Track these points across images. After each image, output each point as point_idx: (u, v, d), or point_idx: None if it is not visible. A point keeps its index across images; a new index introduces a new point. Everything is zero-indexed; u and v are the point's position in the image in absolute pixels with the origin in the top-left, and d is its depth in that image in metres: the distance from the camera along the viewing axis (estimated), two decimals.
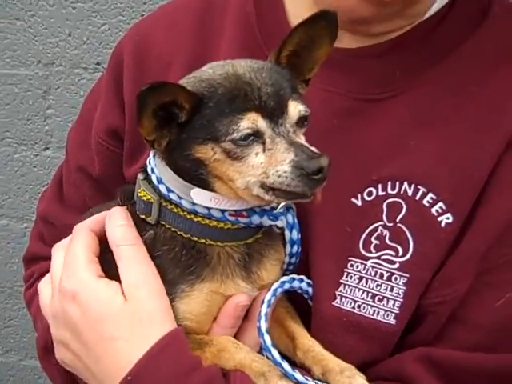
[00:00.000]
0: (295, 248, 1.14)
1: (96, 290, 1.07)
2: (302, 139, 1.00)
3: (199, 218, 1.06)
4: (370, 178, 1.15)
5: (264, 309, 1.07)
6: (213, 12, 1.35)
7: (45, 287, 1.21)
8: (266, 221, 1.09)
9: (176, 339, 1.03)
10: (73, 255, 1.11)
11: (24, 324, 2.59)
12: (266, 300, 1.08)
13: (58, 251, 1.19)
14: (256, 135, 0.97)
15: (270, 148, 0.98)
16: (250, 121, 0.97)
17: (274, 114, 0.98)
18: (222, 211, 1.05)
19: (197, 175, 1.03)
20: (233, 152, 0.98)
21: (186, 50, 1.32)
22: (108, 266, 1.10)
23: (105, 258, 1.12)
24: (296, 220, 1.13)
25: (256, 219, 1.07)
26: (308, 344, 1.10)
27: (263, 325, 1.07)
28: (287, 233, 1.12)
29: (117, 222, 1.10)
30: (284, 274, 1.17)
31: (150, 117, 0.97)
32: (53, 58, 2.15)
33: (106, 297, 1.06)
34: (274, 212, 1.09)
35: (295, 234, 1.13)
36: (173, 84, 1.00)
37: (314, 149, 0.97)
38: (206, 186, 1.04)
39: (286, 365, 1.02)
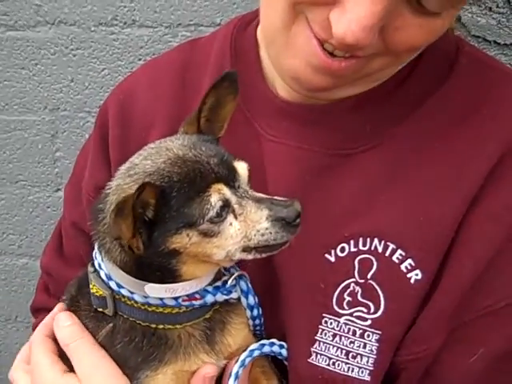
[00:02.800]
0: (255, 311, 1.14)
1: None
2: (260, 194, 1.01)
3: (153, 308, 1.07)
4: (342, 234, 1.15)
5: (231, 382, 1.08)
6: (192, 70, 1.37)
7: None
8: (220, 297, 1.10)
9: None
10: (36, 364, 1.17)
11: None
12: (233, 373, 1.08)
13: (18, 373, 1.27)
14: (226, 205, 0.97)
15: (241, 212, 0.98)
16: (217, 192, 0.96)
17: (230, 179, 0.98)
18: (176, 298, 1.06)
19: (164, 267, 1.01)
20: (210, 231, 0.97)
21: (167, 108, 1.34)
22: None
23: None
24: (250, 285, 1.13)
25: (210, 298, 1.09)
26: None
27: None
28: (243, 300, 1.13)
29: (63, 324, 1.15)
30: (254, 334, 1.17)
31: (129, 225, 0.92)
32: (58, 104, 2.18)
33: None
34: (227, 286, 1.10)
35: (251, 299, 1.13)
36: (141, 192, 0.91)
37: (279, 197, 0.98)
38: (169, 275, 1.03)
39: None
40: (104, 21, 2.02)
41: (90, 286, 1.13)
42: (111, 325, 1.11)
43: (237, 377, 1.09)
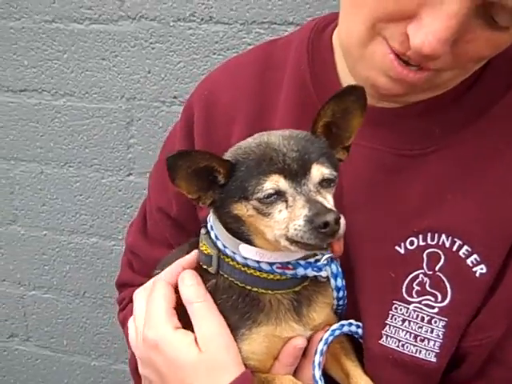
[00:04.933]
0: (341, 293, 1.24)
1: (174, 341, 1.20)
2: (326, 198, 1.10)
3: (251, 271, 1.18)
4: (411, 229, 1.23)
5: (317, 358, 1.19)
6: (271, 68, 1.46)
7: (131, 327, 1.36)
8: (311, 272, 1.19)
9: (245, 381, 1.16)
10: (153, 308, 1.25)
11: (114, 332, 2.75)
12: (318, 350, 1.20)
13: (140, 297, 1.34)
14: (278, 194, 1.08)
15: (291, 205, 1.08)
16: (273, 182, 1.08)
17: (297, 175, 1.08)
18: (271, 264, 1.17)
19: (240, 231, 1.16)
20: (260, 209, 1.09)
21: (248, 104, 1.43)
22: (183, 314, 1.24)
23: (181, 307, 1.25)
24: (340, 269, 1.22)
25: (301, 271, 1.18)
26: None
27: (317, 373, 1.18)
28: (332, 281, 1.22)
29: (188, 283, 1.24)
30: (335, 314, 1.27)
31: (185, 179, 1.10)
32: (134, 93, 2.29)
33: (183, 347, 1.19)
34: (318, 264, 1.20)
35: (340, 282, 1.23)
36: (201, 152, 1.13)
37: (329, 205, 1.07)
38: (248, 240, 1.16)
39: None
40: (182, 16, 2.13)
41: (200, 245, 1.26)
42: (214, 280, 1.23)
43: (322, 353, 1.19)
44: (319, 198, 1.08)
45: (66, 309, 2.80)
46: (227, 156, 1.16)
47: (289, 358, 1.21)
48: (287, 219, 1.08)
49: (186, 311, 1.23)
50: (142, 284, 1.57)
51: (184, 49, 2.17)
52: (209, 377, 1.17)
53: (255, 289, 1.20)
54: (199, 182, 1.12)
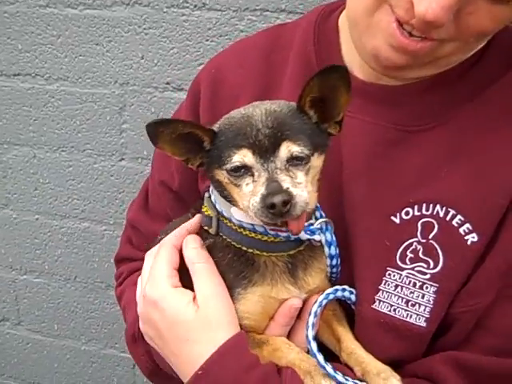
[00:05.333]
0: (334, 261, 1.29)
1: (172, 299, 1.27)
2: (294, 175, 1.14)
3: (247, 232, 1.24)
4: (407, 200, 1.29)
5: (311, 319, 1.24)
6: (278, 50, 1.52)
7: (138, 286, 1.42)
8: (303, 235, 1.25)
9: (238, 342, 1.22)
10: (156, 268, 1.32)
11: (104, 316, 2.80)
12: (312, 311, 1.25)
13: (148, 258, 1.40)
14: (246, 168, 1.14)
15: (256, 180, 1.14)
16: (241, 156, 1.14)
17: (267, 151, 1.14)
18: (264, 226, 1.22)
19: (224, 195, 1.23)
20: (231, 180, 1.17)
21: (254, 84, 1.48)
22: (185, 275, 1.30)
23: (183, 269, 1.31)
24: (334, 237, 1.28)
25: None
26: (351, 347, 1.27)
27: (310, 333, 1.23)
28: (326, 249, 1.28)
29: (191, 245, 1.30)
30: (329, 281, 1.33)
31: (169, 143, 1.19)
32: (127, 79, 2.32)
33: (181, 305, 1.26)
34: (311, 227, 1.26)
35: (333, 250, 1.28)
36: (182, 121, 1.23)
37: (286, 185, 1.11)
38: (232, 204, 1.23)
39: (329, 367, 1.18)
40: (176, 3, 2.16)
41: (203, 207, 1.32)
42: (211, 240, 1.29)
43: (316, 315, 1.25)
44: (281, 177, 1.12)
45: (57, 293, 2.83)
46: (218, 123, 1.23)
47: (284, 318, 1.27)
48: (251, 193, 1.14)
49: (188, 274, 1.29)
50: (141, 259, 1.61)
51: (177, 35, 2.20)
52: (204, 334, 1.23)
53: (250, 250, 1.26)
54: (187, 144, 1.20)
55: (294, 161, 1.15)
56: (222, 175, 1.19)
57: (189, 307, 1.25)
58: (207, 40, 2.18)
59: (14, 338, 3.00)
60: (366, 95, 1.36)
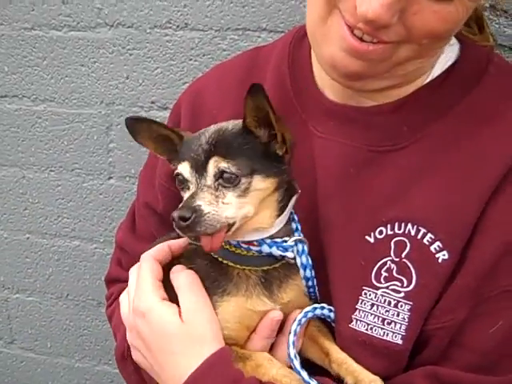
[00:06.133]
0: (310, 282, 1.31)
1: (159, 311, 1.28)
2: (220, 195, 1.18)
3: (222, 244, 1.24)
4: (380, 219, 1.30)
5: (291, 338, 1.26)
6: (255, 72, 1.54)
7: (124, 300, 1.44)
8: (276, 251, 1.27)
9: (223, 355, 1.23)
10: (142, 280, 1.33)
11: (97, 333, 2.81)
12: (292, 330, 1.26)
13: (132, 275, 1.42)
14: (185, 181, 1.21)
15: (185, 194, 1.20)
16: (180, 168, 1.21)
17: (202, 167, 1.19)
18: (237, 240, 1.26)
19: None
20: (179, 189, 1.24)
21: (231, 105, 1.49)
22: (168, 288, 1.32)
23: (166, 281, 1.33)
24: (309, 260, 1.30)
25: (265, 248, 1.26)
26: (341, 358, 1.28)
27: (292, 351, 1.25)
28: (301, 271, 1.30)
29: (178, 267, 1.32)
30: (310, 299, 1.34)
31: (149, 141, 1.28)
32: (113, 99, 2.34)
33: (167, 318, 1.27)
34: (284, 244, 1.27)
35: (308, 272, 1.30)
36: (157, 123, 1.29)
37: (196, 202, 1.15)
38: None
39: (313, 383, 1.20)
40: (159, 23, 2.20)
41: None
42: (193, 246, 1.31)
43: (295, 333, 1.26)
44: (202, 194, 1.17)
45: (49, 311, 2.84)
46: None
47: (266, 331, 1.28)
48: None
49: (171, 287, 1.31)
50: None
51: (161, 55, 2.23)
52: (188, 347, 1.24)
53: (225, 261, 1.28)
54: (168, 145, 1.28)
55: (223, 180, 1.18)
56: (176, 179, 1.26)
57: (174, 320, 1.26)
58: (190, 59, 2.21)
59: (7, 356, 3.01)
60: (338, 116, 1.38)
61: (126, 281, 1.66)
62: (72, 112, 2.42)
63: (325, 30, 1.25)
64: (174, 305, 1.29)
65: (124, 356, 1.52)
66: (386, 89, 1.34)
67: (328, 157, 1.37)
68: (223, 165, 1.17)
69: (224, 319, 1.27)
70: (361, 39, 1.19)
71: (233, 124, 1.25)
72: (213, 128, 1.25)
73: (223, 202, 1.17)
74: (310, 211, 1.36)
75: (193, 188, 1.19)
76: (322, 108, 1.42)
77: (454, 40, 1.38)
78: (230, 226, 1.19)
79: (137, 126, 1.27)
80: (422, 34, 1.17)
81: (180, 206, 1.16)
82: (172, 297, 1.31)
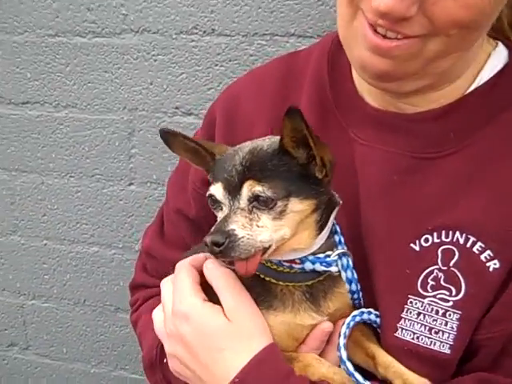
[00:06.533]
0: (353, 286, 1.30)
1: (203, 311, 1.27)
2: (256, 218, 1.15)
3: (262, 261, 1.23)
4: (425, 227, 1.28)
5: (341, 340, 1.25)
6: (293, 78, 1.52)
7: (157, 315, 1.42)
8: (319, 267, 1.25)
9: (273, 350, 1.22)
10: (181, 284, 1.32)
11: (114, 339, 2.79)
12: (342, 333, 1.26)
13: (167, 284, 1.40)
14: (217, 202, 1.18)
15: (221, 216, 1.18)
16: (214, 188, 1.18)
17: (234, 188, 1.15)
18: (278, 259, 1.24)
19: None
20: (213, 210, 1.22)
21: (269, 111, 1.48)
22: (208, 295, 1.30)
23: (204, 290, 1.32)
24: (351, 263, 1.29)
25: (308, 265, 1.24)
26: (388, 361, 1.26)
27: (343, 354, 1.24)
28: (343, 274, 1.28)
29: (210, 266, 1.31)
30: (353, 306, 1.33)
31: (185, 152, 1.26)
32: (136, 104, 2.33)
33: (212, 317, 1.26)
34: (327, 259, 1.26)
35: (350, 274, 1.29)
36: (189, 139, 1.26)
37: (230, 227, 1.12)
38: None
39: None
40: (185, 29, 2.19)
41: None
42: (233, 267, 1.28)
43: (345, 336, 1.26)
44: (235, 217, 1.14)
45: (65, 317, 2.83)
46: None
47: (316, 342, 1.28)
48: None
49: (209, 294, 1.29)
50: (157, 286, 1.61)
51: (186, 60, 2.22)
52: (237, 343, 1.23)
53: (267, 278, 1.26)
54: (205, 158, 1.26)
55: (258, 203, 1.15)
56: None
57: (219, 318, 1.25)
58: (216, 65, 2.19)
59: (22, 362, 2.99)
60: (379, 123, 1.37)
61: (151, 287, 1.69)
62: (94, 118, 2.41)
63: (352, 32, 1.24)
64: (217, 305, 1.28)
65: (152, 363, 1.52)
66: (424, 91, 1.32)
67: (370, 164, 1.35)
68: (258, 188, 1.14)
69: (272, 331, 1.26)
70: (384, 36, 1.17)
71: (268, 142, 1.21)
72: (247, 147, 1.21)
73: (258, 225, 1.14)
74: (352, 220, 1.35)
75: (226, 210, 1.16)
76: (362, 114, 1.40)
77: (501, 46, 1.37)
78: (266, 249, 1.16)
79: (171, 139, 1.25)
80: (446, 25, 1.14)
81: (212, 229, 1.13)
82: (213, 301, 1.29)
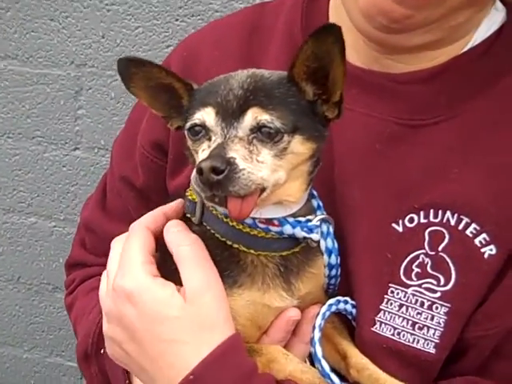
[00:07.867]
0: (333, 271, 1.15)
1: (153, 290, 1.06)
2: (255, 150, 0.98)
3: (234, 222, 1.06)
4: (411, 205, 1.17)
5: (317, 334, 1.10)
6: (260, 33, 1.39)
7: (103, 280, 1.21)
8: (299, 232, 1.08)
9: (236, 343, 1.05)
10: (128, 254, 1.11)
11: (50, 321, 2.65)
12: (317, 325, 1.11)
13: (117, 245, 1.19)
14: (204, 130, 1.01)
15: (209, 145, 0.99)
16: (202, 113, 1.00)
17: (232, 114, 0.98)
18: (253, 218, 1.05)
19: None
20: (192, 145, 1.04)
21: (232, 63, 1.32)
22: (164, 266, 1.11)
23: (161, 257, 1.13)
24: (336, 244, 1.13)
25: (288, 229, 1.07)
26: (362, 362, 1.13)
27: (318, 350, 1.09)
28: (326, 257, 1.13)
29: (173, 229, 1.11)
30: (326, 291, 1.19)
31: (144, 91, 1.08)
32: (85, 60, 2.18)
33: (164, 298, 1.05)
34: (309, 224, 1.09)
35: (334, 259, 1.14)
36: (157, 65, 1.08)
37: (230, 154, 0.95)
38: None
39: None
40: None
41: (187, 191, 1.14)
42: (196, 228, 1.11)
43: (320, 329, 1.11)
44: (234, 146, 0.97)
45: None
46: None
47: (280, 333, 1.12)
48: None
49: (166, 265, 1.10)
50: (96, 265, 1.50)
51: (143, 13, 2.08)
52: (194, 333, 1.04)
53: (236, 245, 1.08)
54: (167, 99, 1.09)
55: (261, 134, 0.98)
56: (187, 135, 1.06)
57: (174, 300, 1.05)
58: (177, 20, 2.05)
59: None
60: (362, 83, 1.24)
61: (90, 265, 1.55)
62: (37, 72, 2.26)
63: None
64: (170, 283, 1.08)
65: (87, 354, 1.35)
66: (421, 48, 1.20)
67: (348, 129, 1.22)
68: (265, 117, 0.97)
69: (233, 315, 1.07)
70: None
71: (268, 72, 1.05)
72: (243, 73, 1.05)
73: (257, 160, 0.97)
74: (326, 193, 1.20)
75: (217, 139, 0.98)
76: None
77: (499, 4, 1.26)
78: (262, 191, 0.99)
79: (132, 70, 1.06)
80: None
81: (208, 153, 0.95)
82: (166, 274, 1.10)
